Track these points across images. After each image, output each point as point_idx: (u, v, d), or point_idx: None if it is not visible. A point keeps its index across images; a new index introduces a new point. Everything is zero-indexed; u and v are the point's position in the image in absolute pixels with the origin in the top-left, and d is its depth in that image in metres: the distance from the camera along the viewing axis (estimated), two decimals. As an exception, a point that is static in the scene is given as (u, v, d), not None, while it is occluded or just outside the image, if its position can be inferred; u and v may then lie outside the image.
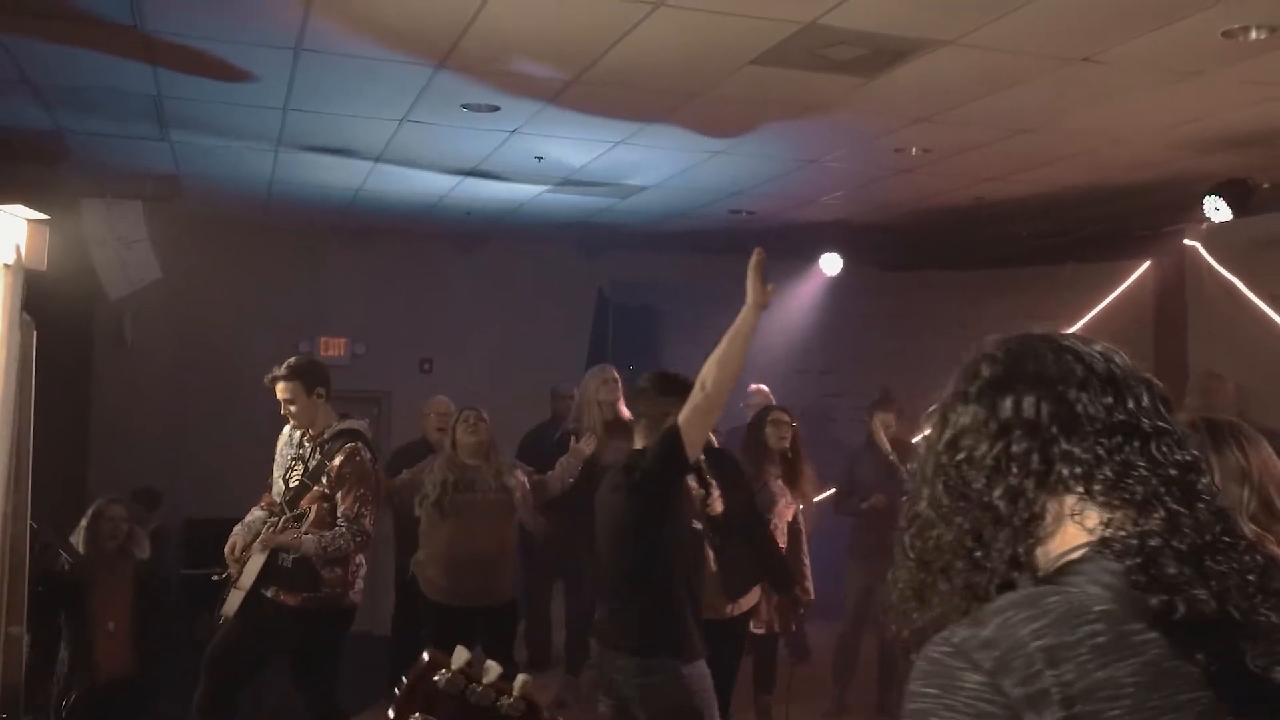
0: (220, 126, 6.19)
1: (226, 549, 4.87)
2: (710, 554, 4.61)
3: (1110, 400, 1.19)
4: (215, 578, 4.90)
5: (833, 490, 7.40)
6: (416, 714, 1.32)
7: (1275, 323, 7.34)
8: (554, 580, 7.50)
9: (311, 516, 4.72)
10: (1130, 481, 1.14)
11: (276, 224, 9.03)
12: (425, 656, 1.35)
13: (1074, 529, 1.15)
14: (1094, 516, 1.14)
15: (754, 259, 3.76)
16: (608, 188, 7.53)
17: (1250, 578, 1.09)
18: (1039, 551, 1.16)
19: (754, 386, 8.31)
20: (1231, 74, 4.79)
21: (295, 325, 9.18)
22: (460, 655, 1.35)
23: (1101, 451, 1.15)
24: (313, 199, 8.12)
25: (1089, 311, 8.68)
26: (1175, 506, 1.12)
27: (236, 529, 4.92)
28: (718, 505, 3.97)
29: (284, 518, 4.77)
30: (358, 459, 4.75)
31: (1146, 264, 8.52)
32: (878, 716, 6.63)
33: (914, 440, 7.93)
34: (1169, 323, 8.29)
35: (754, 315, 3.76)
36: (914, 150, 6.29)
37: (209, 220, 8.76)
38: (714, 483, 4.01)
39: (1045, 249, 8.75)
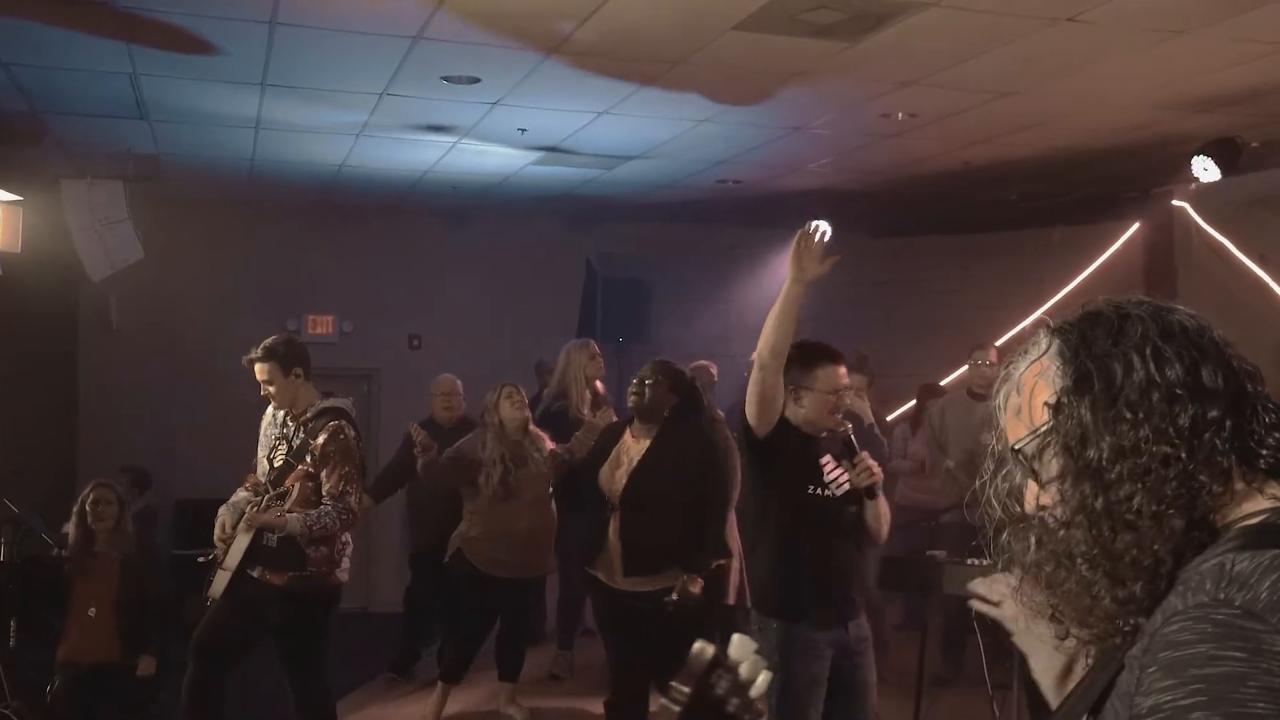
0: (198, 104, 6.12)
1: (216, 530, 4.84)
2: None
3: (1238, 367, 1.23)
4: (202, 559, 4.87)
5: None
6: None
7: (1264, 282, 7.32)
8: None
9: (295, 495, 4.69)
10: None
11: (260, 202, 8.96)
12: (708, 654, 1.30)
13: (1252, 496, 1.18)
14: (1275, 486, 1.19)
15: (799, 234, 3.79)
16: (593, 159, 7.47)
17: None
18: (1214, 518, 1.18)
19: (755, 356, 8.24)
20: (1218, 32, 4.74)
21: (282, 304, 9.13)
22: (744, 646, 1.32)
23: (1270, 419, 1.20)
24: (295, 176, 8.05)
25: (1078, 274, 8.66)
26: None
27: (222, 510, 4.88)
28: (858, 478, 3.95)
29: (267, 496, 4.73)
30: (341, 437, 4.71)
31: (1135, 226, 8.49)
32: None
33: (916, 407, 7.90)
34: (1158, 284, 8.26)
35: (794, 289, 3.79)
36: (900, 115, 6.23)
37: (191, 200, 8.69)
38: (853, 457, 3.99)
39: (1034, 212, 8.72)
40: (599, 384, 6.51)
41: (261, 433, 5.02)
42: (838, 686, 3.78)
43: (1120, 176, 7.81)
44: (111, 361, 8.88)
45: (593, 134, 6.73)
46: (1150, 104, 5.97)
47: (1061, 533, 1.22)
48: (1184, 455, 1.17)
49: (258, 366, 4.79)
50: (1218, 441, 1.18)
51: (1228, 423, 1.18)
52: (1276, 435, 1.20)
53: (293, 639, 4.79)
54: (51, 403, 8.64)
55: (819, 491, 3.82)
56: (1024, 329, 8.89)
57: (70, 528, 5.41)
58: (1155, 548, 1.17)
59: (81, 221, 7.07)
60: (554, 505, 6.01)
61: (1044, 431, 1.25)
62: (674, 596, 4.56)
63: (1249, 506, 1.18)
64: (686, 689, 1.28)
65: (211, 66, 5.39)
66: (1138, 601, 1.18)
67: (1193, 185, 7.22)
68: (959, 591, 5.33)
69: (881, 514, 3.91)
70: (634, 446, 4.76)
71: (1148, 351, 1.20)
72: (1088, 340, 1.25)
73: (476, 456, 5.81)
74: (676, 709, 1.26)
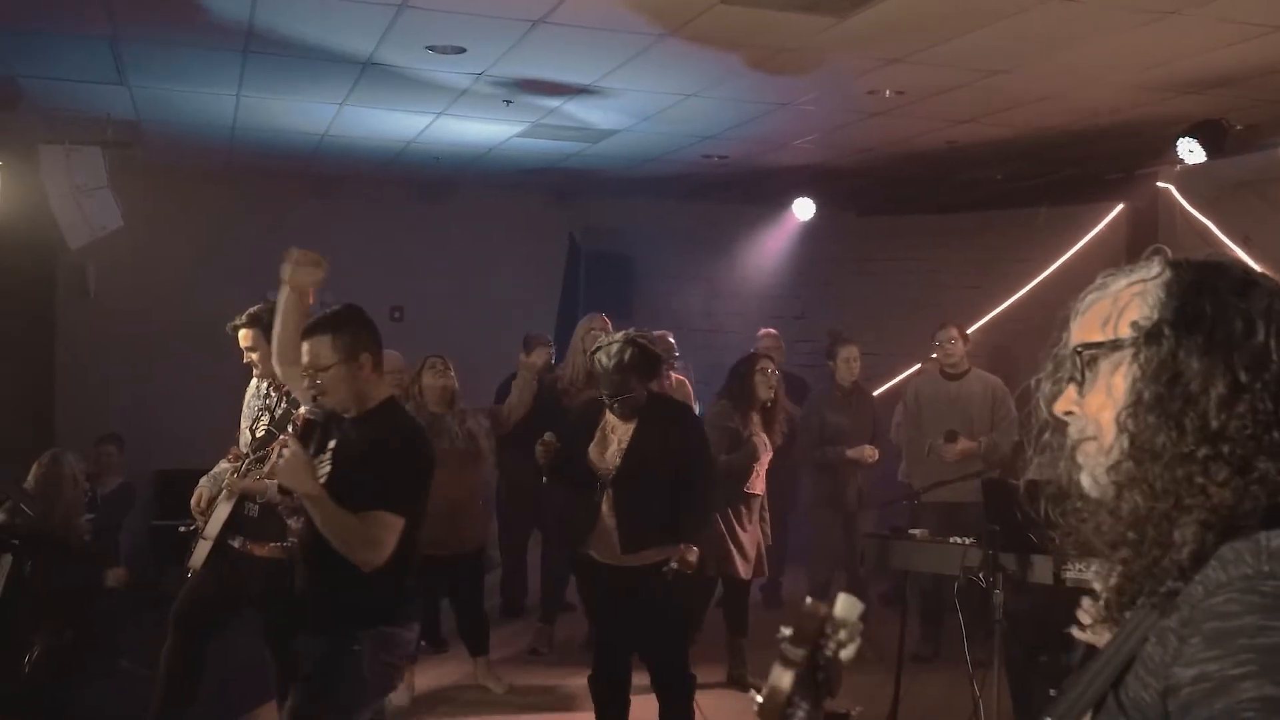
0: (179, 70, 6.04)
1: (193, 501, 4.81)
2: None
3: None
4: (183, 529, 4.84)
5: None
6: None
7: (1247, 264, 7.34)
8: (531, 529, 7.49)
9: (274, 457, 4.66)
10: None
11: (241, 171, 8.87)
12: (821, 612, 1.25)
13: None
14: None
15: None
16: (577, 132, 7.42)
17: None
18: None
19: (764, 331, 8.26)
20: (1207, 13, 4.73)
21: (263, 274, 8.94)
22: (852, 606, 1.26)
23: None
24: (277, 145, 7.97)
25: (1062, 255, 8.67)
26: None
27: (203, 481, 4.85)
28: None
29: (247, 460, 4.70)
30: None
31: (1119, 207, 8.50)
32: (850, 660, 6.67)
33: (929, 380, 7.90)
34: (1141, 266, 8.29)
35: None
36: (888, 93, 6.21)
37: (171, 168, 8.60)
38: None
39: (1018, 192, 8.73)
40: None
41: (245, 404, 4.99)
42: None
43: (1106, 157, 7.82)
44: (89, 328, 8.80)
45: (579, 107, 6.69)
46: (1137, 85, 5.96)
47: (1128, 464, 1.21)
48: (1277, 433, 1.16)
49: (242, 333, 4.77)
50: None
51: None
52: None
53: (273, 610, 4.76)
54: (29, 370, 8.56)
55: None
56: (1006, 309, 8.92)
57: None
58: (1224, 509, 1.16)
59: (59, 188, 6.97)
60: (482, 479, 5.97)
61: (1124, 345, 1.24)
62: (673, 565, 4.59)
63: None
64: (801, 650, 1.24)
65: (193, 32, 5.31)
66: (1180, 564, 1.16)
67: (1178, 167, 7.23)
68: (938, 570, 5.39)
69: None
70: (620, 425, 4.73)
71: (1273, 324, 1.19)
72: (1208, 286, 1.23)
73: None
74: (791, 671, 1.23)
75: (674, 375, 6.76)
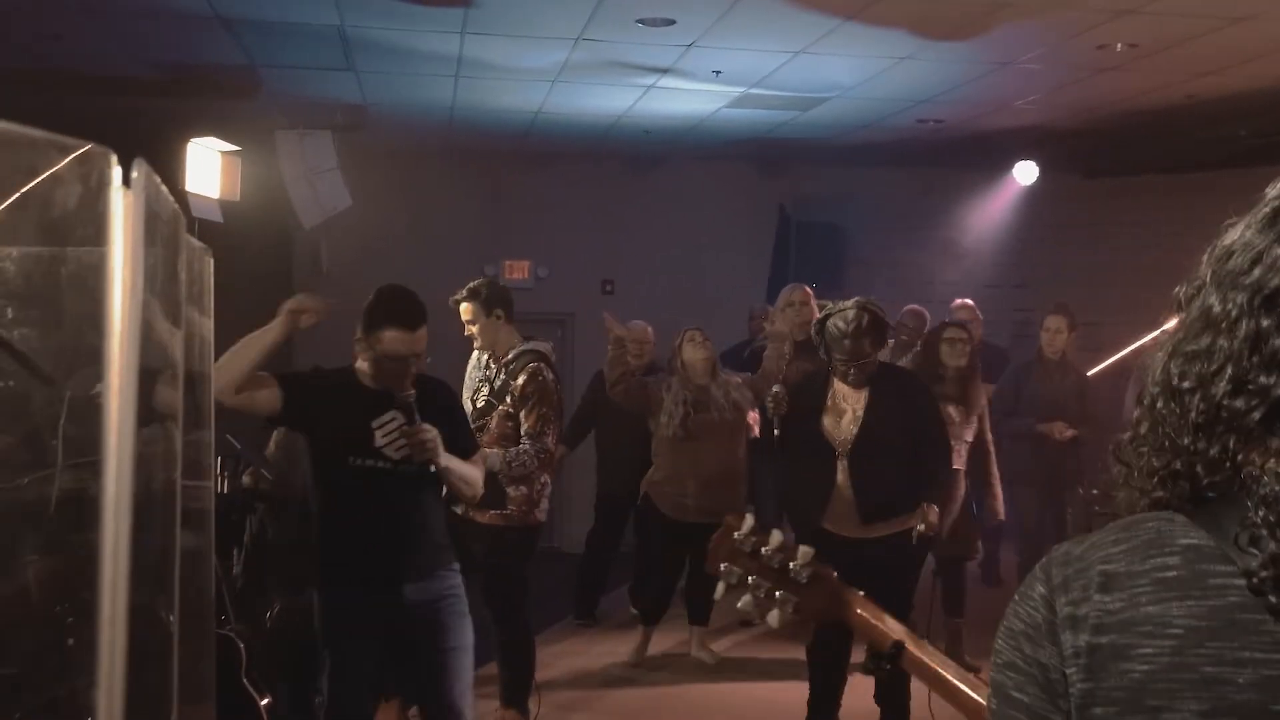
0: (402, 54, 6.27)
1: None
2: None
3: None
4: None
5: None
6: (723, 564, 1.61)
7: None
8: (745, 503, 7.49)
9: (494, 428, 4.82)
10: None
11: (459, 150, 9.16)
12: (728, 518, 1.63)
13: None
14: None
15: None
16: (788, 100, 7.31)
17: None
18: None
19: (959, 301, 7.99)
20: None
21: (480, 249, 9.34)
22: (746, 522, 1.61)
23: None
24: (493, 123, 8.18)
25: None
26: None
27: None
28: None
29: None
30: (540, 378, 4.81)
31: (1383, 162, 7.79)
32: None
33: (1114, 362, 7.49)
34: None
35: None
36: (1118, 46, 5.85)
37: (394, 149, 8.95)
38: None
39: (1267, 149, 8.10)
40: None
41: (466, 375, 5.18)
42: None
43: (1367, 108, 7.17)
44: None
45: (789, 74, 6.58)
46: None
47: None
48: None
49: (462, 307, 4.96)
50: None
51: None
52: None
53: (493, 575, 4.93)
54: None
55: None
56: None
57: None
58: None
59: (294, 171, 7.39)
60: (744, 451, 5.98)
61: None
62: (921, 528, 4.61)
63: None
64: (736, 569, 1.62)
65: (414, 15, 5.49)
66: None
67: None
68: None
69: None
70: (852, 395, 4.64)
71: None
72: None
73: (660, 395, 5.82)
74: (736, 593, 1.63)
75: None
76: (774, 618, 1.59)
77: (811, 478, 4.68)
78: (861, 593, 1.61)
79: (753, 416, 6.10)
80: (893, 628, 1.56)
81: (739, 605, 1.61)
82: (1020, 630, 1.02)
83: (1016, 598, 1.05)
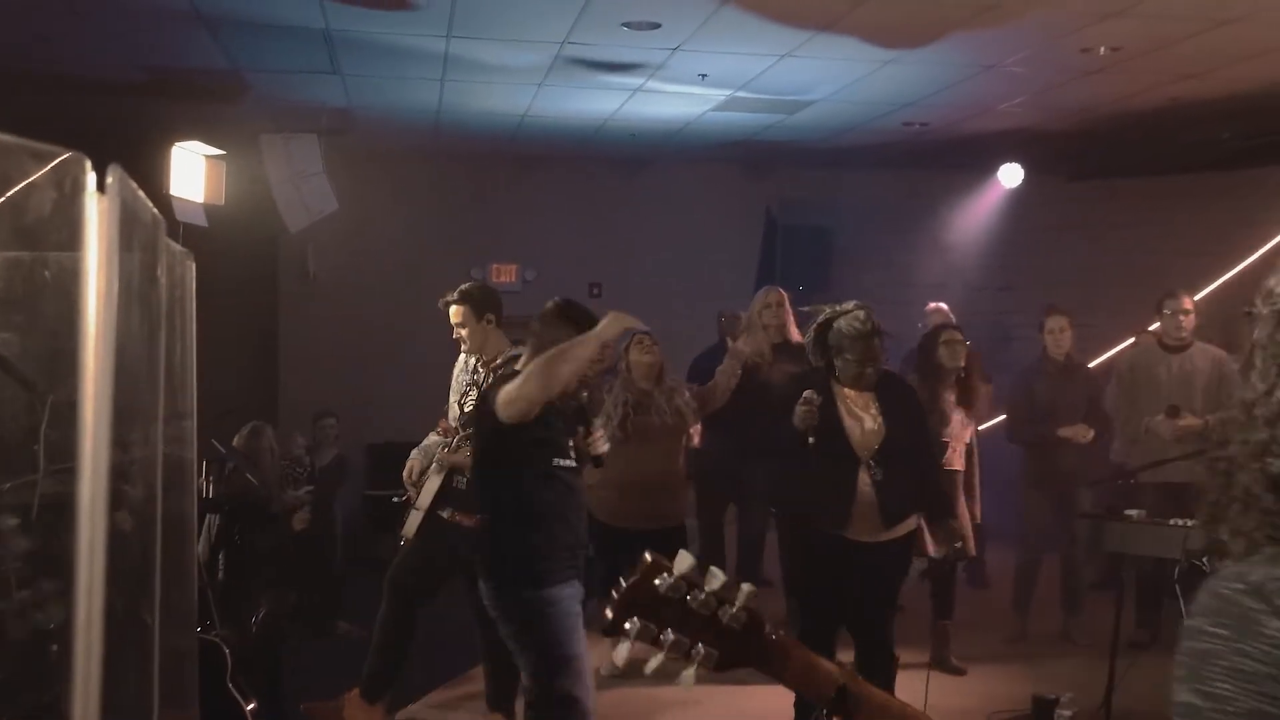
0: (387, 58, 6.26)
1: (405, 473, 5.01)
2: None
3: None
4: (396, 499, 5.05)
5: (1002, 416, 7.07)
6: (635, 618, 1.32)
7: None
8: (728, 504, 7.48)
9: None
10: None
11: (445, 153, 9.15)
12: (648, 558, 1.34)
13: None
14: None
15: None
16: (774, 103, 7.33)
17: None
18: None
19: (932, 305, 8.04)
20: None
21: (467, 252, 9.34)
22: (684, 561, 1.33)
23: None
24: (479, 127, 8.18)
25: (1297, 219, 8.06)
26: None
27: (414, 453, 5.04)
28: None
29: (457, 438, 4.86)
30: (528, 384, 4.79)
31: (1365, 165, 7.84)
32: (1060, 644, 6.41)
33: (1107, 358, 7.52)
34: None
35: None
36: (1102, 49, 5.88)
37: (380, 152, 8.95)
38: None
39: (1249, 152, 8.15)
40: (792, 330, 6.36)
41: (453, 379, 5.16)
42: None
43: (1349, 111, 7.22)
44: (309, 308, 9.28)
45: (775, 77, 6.60)
46: (1388, 29, 5.47)
47: None
48: None
49: (453, 309, 4.92)
50: None
51: None
52: None
53: (480, 578, 4.92)
54: (255, 348, 9.10)
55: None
56: (1234, 277, 8.35)
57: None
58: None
59: (280, 174, 7.38)
60: (684, 454, 5.91)
61: None
62: (958, 545, 4.85)
63: None
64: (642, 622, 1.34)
65: (400, 20, 5.49)
66: None
67: None
68: (1157, 553, 5.09)
69: None
70: (858, 399, 4.61)
71: None
72: None
73: (602, 397, 5.79)
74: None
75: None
76: (688, 678, 1.37)
77: (828, 485, 4.61)
78: (793, 638, 1.43)
79: (694, 429, 6.06)
80: (831, 669, 1.41)
81: (646, 670, 1.35)
82: (1265, 673, 0.94)
83: (1227, 633, 0.97)
